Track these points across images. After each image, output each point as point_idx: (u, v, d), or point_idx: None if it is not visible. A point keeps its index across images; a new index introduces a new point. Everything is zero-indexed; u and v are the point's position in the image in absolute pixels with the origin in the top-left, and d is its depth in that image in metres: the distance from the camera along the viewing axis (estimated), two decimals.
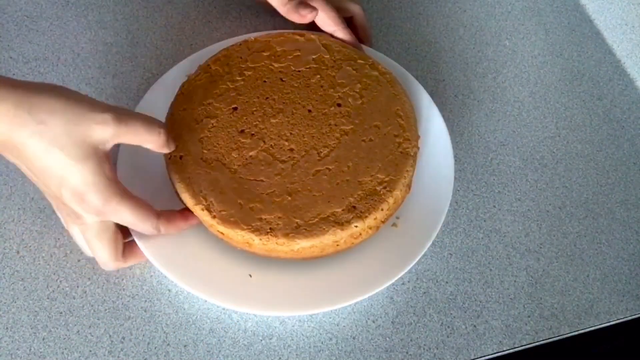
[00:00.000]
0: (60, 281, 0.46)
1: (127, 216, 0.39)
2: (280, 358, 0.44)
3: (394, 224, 0.46)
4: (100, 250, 0.42)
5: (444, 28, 0.64)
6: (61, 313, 0.45)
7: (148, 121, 0.39)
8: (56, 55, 0.57)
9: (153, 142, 0.40)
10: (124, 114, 0.38)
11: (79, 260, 0.47)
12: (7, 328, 0.44)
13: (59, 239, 0.48)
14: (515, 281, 0.49)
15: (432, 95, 0.58)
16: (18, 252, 0.47)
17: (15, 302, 0.45)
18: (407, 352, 0.45)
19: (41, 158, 0.35)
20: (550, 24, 0.66)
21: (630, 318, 0.49)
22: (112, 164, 0.39)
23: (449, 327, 0.47)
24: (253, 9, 0.63)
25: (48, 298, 0.45)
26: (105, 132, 0.36)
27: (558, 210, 0.54)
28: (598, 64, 0.64)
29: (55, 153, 0.35)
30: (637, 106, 0.62)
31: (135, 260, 0.45)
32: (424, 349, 0.46)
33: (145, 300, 0.46)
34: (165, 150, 0.42)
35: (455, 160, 0.55)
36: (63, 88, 0.37)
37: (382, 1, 0.65)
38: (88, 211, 0.38)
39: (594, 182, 0.56)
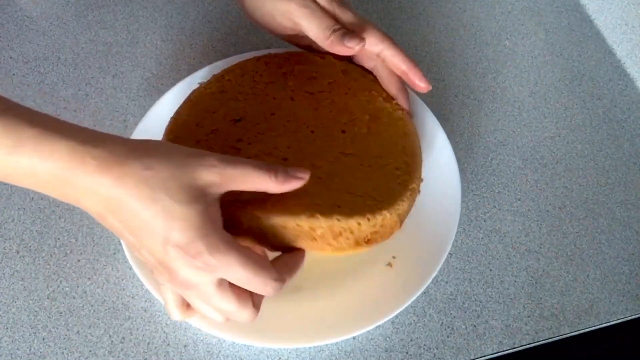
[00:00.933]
0: (60, 281, 0.46)
1: (240, 269, 0.33)
2: (280, 358, 0.44)
3: (389, 264, 0.46)
4: (227, 304, 0.35)
5: (444, 28, 0.64)
6: (61, 313, 0.45)
7: (258, 164, 0.35)
8: (56, 55, 0.57)
9: (269, 183, 0.35)
10: (229, 157, 0.35)
11: (78, 261, 0.47)
12: (7, 328, 0.44)
13: (59, 239, 0.48)
14: (515, 281, 0.49)
15: (432, 95, 0.58)
16: (18, 252, 0.47)
17: (15, 302, 0.45)
18: (407, 352, 0.45)
19: (145, 209, 0.32)
20: (550, 24, 0.66)
21: (630, 318, 0.49)
22: (220, 212, 0.35)
23: (449, 327, 0.47)
24: None
25: (48, 298, 0.45)
26: (212, 175, 0.33)
27: (558, 210, 0.54)
28: (598, 64, 0.64)
29: (160, 199, 0.32)
30: (637, 106, 0.62)
31: (292, 271, 0.38)
32: (424, 349, 0.46)
33: (145, 300, 0.46)
34: (294, 185, 0.37)
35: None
36: (164, 142, 0.36)
37: (382, 1, 0.65)
38: (197, 266, 0.33)
39: (594, 182, 0.56)
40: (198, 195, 0.33)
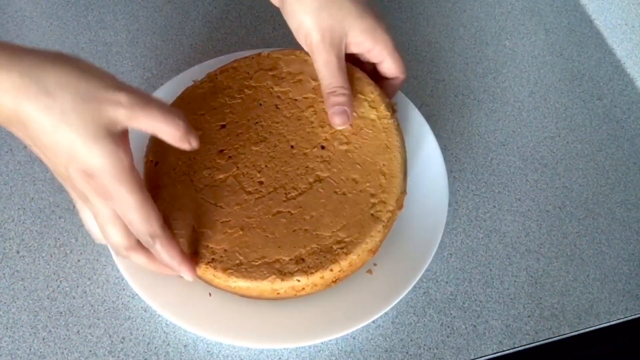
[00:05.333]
0: (60, 281, 0.46)
1: (131, 210, 0.35)
2: (280, 358, 0.44)
3: (369, 271, 0.44)
4: (114, 236, 0.37)
5: (444, 28, 0.64)
6: (61, 313, 0.45)
7: (167, 109, 0.35)
8: None
9: (170, 133, 0.35)
10: (141, 97, 0.34)
11: (78, 261, 0.47)
12: (7, 328, 0.44)
13: (59, 239, 0.48)
14: (515, 281, 0.49)
15: (432, 95, 0.58)
16: (18, 252, 0.47)
17: (15, 302, 0.45)
18: (407, 352, 0.45)
19: (49, 134, 0.32)
20: (550, 24, 0.66)
21: (630, 318, 0.49)
22: (129, 149, 0.35)
23: (449, 327, 0.47)
24: (252, 9, 0.63)
25: (48, 298, 0.45)
26: (118, 113, 0.33)
27: (558, 210, 0.54)
28: (598, 64, 0.64)
29: (63, 130, 0.32)
30: (637, 106, 0.62)
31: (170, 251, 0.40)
32: (424, 349, 0.46)
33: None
34: (186, 147, 0.37)
35: (455, 160, 0.55)
36: (78, 60, 0.34)
37: (382, 1, 0.65)
38: (97, 193, 0.34)
39: (594, 182, 0.56)
40: (104, 133, 0.33)
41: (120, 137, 0.34)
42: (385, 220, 0.42)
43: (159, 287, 0.42)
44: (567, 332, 0.48)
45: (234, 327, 0.41)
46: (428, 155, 0.50)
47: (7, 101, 0.31)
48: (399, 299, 0.43)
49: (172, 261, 0.39)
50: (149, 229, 0.36)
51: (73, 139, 0.32)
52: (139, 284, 0.42)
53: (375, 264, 0.45)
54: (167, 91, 0.50)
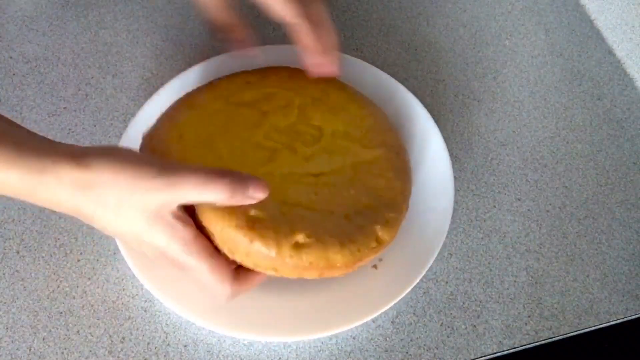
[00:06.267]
0: (60, 281, 0.46)
1: (205, 274, 0.37)
2: (280, 358, 0.44)
3: (374, 266, 0.45)
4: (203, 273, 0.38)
5: (444, 28, 0.64)
6: (61, 313, 0.45)
7: (203, 178, 0.35)
8: (56, 55, 0.57)
9: (218, 199, 0.35)
10: (175, 174, 0.34)
11: (78, 260, 0.47)
12: (7, 328, 0.44)
13: (58, 239, 0.48)
14: (515, 281, 0.49)
15: (432, 95, 0.58)
16: (18, 252, 0.47)
17: (15, 302, 0.45)
18: (407, 352, 0.45)
19: (112, 226, 0.36)
20: (550, 24, 0.66)
21: (630, 318, 0.49)
22: (189, 221, 0.36)
23: (449, 327, 0.47)
24: (253, 9, 0.63)
25: (48, 298, 0.45)
26: (159, 199, 0.34)
27: (558, 210, 0.54)
28: (598, 64, 0.64)
29: (122, 222, 0.35)
30: (637, 106, 0.61)
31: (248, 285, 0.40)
32: (424, 349, 0.46)
33: (145, 300, 0.46)
34: (248, 202, 0.37)
35: (455, 160, 0.55)
36: (119, 151, 0.36)
37: (382, 1, 0.65)
38: (174, 265, 0.37)
39: (594, 182, 0.56)
40: (155, 217, 0.35)
41: (175, 215, 0.36)
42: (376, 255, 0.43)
43: (169, 280, 0.43)
44: (567, 332, 0.48)
45: (237, 320, 0.42)
46: (434, 159, 0.50)
47: (68, 201, 0.34)
48: (404, 294, 0.43)
49: (253, 286, 0.40)
50: (225, 288, 0.38)
51: (134, 230, 0.35)
52: (149, 278, 0.43)
53: (380, 259, 0.45)
54: (172, 89, 0.51)
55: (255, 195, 0.36)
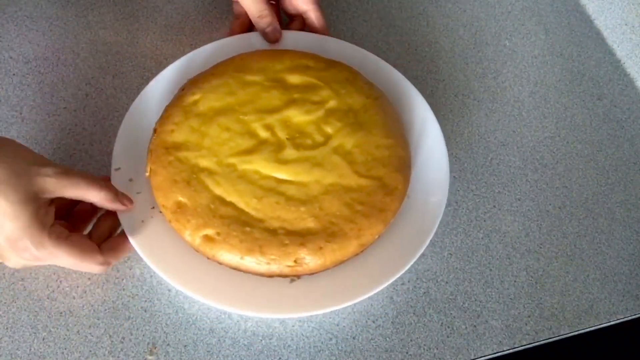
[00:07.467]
0: (60, 281, 0.46)
1: (66, 259, 0.40)
2: (280, 358, 0.44)
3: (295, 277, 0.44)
4: (66, 259, 0.41)
5: (444, 28, 0.64)
6: (61, 313, 0.45)
7: (91, 177, 0.41)
8: (56, 55, 0.57)
9: (97, 197, 0.42)
10: (66, 169, 0.40)
11: None
12: (7, 328, 0.44)
13: None
14: (515, 281, 0.49)
15: (432, 95, 0.58)
16: None
17: (15, 302, 0.45)
18: (407, 352, 0.45)
19: None
20: (550, 24, 0.66)
21: (630, 318, 0.49)
22: (52, 213, 0.40)
23: (449, 327, 0.47)
24: None
25: (48, 298, 0.45)
26: (47, 183, 0.39)
27: (558, 210, 0.54)
28: (598, 64, 0.64)
29: None
30: (637, 106, 0.62)
31: (118, 255, 0.44)
32: (424, 349, 0.46)
33: (145, 300, 0.46)
34: (119, 207, 0.43)
35: (455, 160, 0.55)
36: (13, 143, 0.40)
37: (382, 1, 0.65)
38: (25, 257, 0.39)
39: (594, 182, 0.56)
40: (30, 198, 0.38)
41: (46, 203, 0.40)
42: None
43: (175, 261, 0.43)
44: (567, 332, 0.48)
45: (239, 298, 0.42)
46: (431, 150, 0.50)
47: None
48: (403, 271, 0.43)
49: (128, 251, 0.44)
50: (94, 261, 0.41)
51: (3, 204, 0.37)
52: (153, 258, 0.43)
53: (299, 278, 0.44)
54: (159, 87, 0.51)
55: (125, 201, 0.43)
